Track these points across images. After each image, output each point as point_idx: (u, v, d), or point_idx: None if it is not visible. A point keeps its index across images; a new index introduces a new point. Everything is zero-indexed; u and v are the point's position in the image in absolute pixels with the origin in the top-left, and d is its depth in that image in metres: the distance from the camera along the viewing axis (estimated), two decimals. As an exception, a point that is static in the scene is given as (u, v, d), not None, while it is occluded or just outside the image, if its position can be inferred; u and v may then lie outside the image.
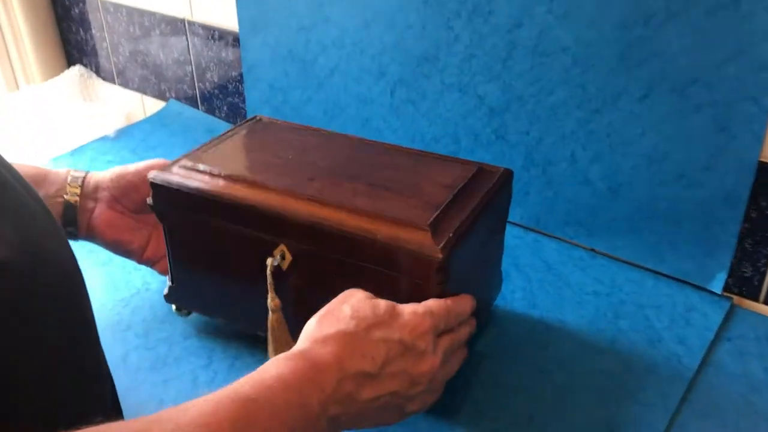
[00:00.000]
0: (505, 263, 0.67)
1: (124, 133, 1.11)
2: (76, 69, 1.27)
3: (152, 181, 0.59)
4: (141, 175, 0.65)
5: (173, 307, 0.66)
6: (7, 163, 0.43)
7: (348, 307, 0.47)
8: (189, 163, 0.60)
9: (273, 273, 0.54)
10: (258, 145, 0.65)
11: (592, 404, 0.58)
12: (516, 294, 0.71)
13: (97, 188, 0.65)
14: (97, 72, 1.29)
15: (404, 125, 0.86)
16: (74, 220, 0.64)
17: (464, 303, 0.52)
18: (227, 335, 0.65)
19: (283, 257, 0.55)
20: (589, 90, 0.70)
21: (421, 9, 0.78)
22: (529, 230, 0.81)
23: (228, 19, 1.00)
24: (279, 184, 0.56)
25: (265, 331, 0.55)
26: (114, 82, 1.26)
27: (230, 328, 0.66)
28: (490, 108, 0.78)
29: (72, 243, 0.47)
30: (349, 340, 0.44)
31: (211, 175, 0.58)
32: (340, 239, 0.52)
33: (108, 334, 0.66)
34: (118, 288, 0.72)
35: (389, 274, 0.52)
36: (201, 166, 0.59)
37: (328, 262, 0.54)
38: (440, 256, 0.49)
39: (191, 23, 1.05)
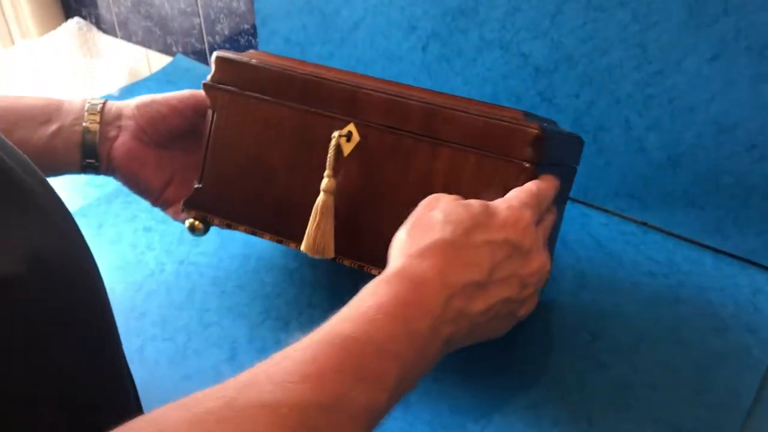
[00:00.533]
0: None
1: (128, 91, 1.03)
2: (75, 21, 1.18)
3: (218, 55, 0.55)
4: (170, 105, 0.59)
5: (187, 223, 0.58)
6: (10, 146, 0.36)
7: (438, 212, 0.41)
8: (257, 53, 0.57)
9: (336, 149, 0.49)
10: None
11: (655, 404, 0.52)
12: (566, 273, 0.65)
13: (120, 116, 0.59)
14: (98, 24, 1.20)
15: (437, 85, 0.78)
16: (94, 150, 0.58)
17: (550, 183, 0.47)
18: (250, 322, 0.60)
19: (349, 138, 0.50)
20: (650, 49, 0.63)
21: (459, -44, 0.70)
22: (575, 202, 0.75)
23: (239, -33, 0.92)
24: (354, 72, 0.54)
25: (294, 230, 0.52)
26: (116, 36, 1.18)
27: (253, 309, 0.60)
28: (536, 68, 0.70)
29: (78, 220, 0.40)
30: (448, 248, 0.39)
31: (283, 59, 0.54)
32: (419, 112, 0.48)
33: (121, 322, 0.60)
34: (129, 270, 0.66)
35: (472, 155, 0.47)
36: (272, 54, 0.56)
37: (399, 144, 0.49)
38: (537, 129, 0.45)
39: (198, -29, 0.97)
